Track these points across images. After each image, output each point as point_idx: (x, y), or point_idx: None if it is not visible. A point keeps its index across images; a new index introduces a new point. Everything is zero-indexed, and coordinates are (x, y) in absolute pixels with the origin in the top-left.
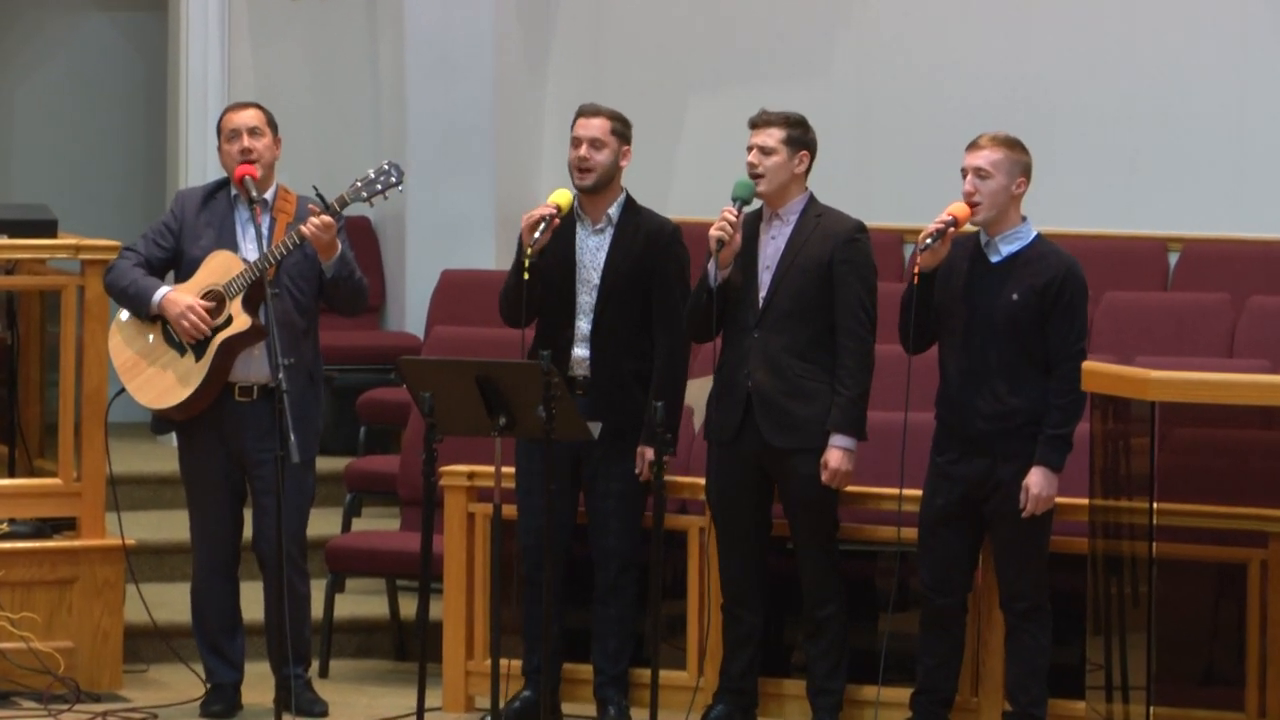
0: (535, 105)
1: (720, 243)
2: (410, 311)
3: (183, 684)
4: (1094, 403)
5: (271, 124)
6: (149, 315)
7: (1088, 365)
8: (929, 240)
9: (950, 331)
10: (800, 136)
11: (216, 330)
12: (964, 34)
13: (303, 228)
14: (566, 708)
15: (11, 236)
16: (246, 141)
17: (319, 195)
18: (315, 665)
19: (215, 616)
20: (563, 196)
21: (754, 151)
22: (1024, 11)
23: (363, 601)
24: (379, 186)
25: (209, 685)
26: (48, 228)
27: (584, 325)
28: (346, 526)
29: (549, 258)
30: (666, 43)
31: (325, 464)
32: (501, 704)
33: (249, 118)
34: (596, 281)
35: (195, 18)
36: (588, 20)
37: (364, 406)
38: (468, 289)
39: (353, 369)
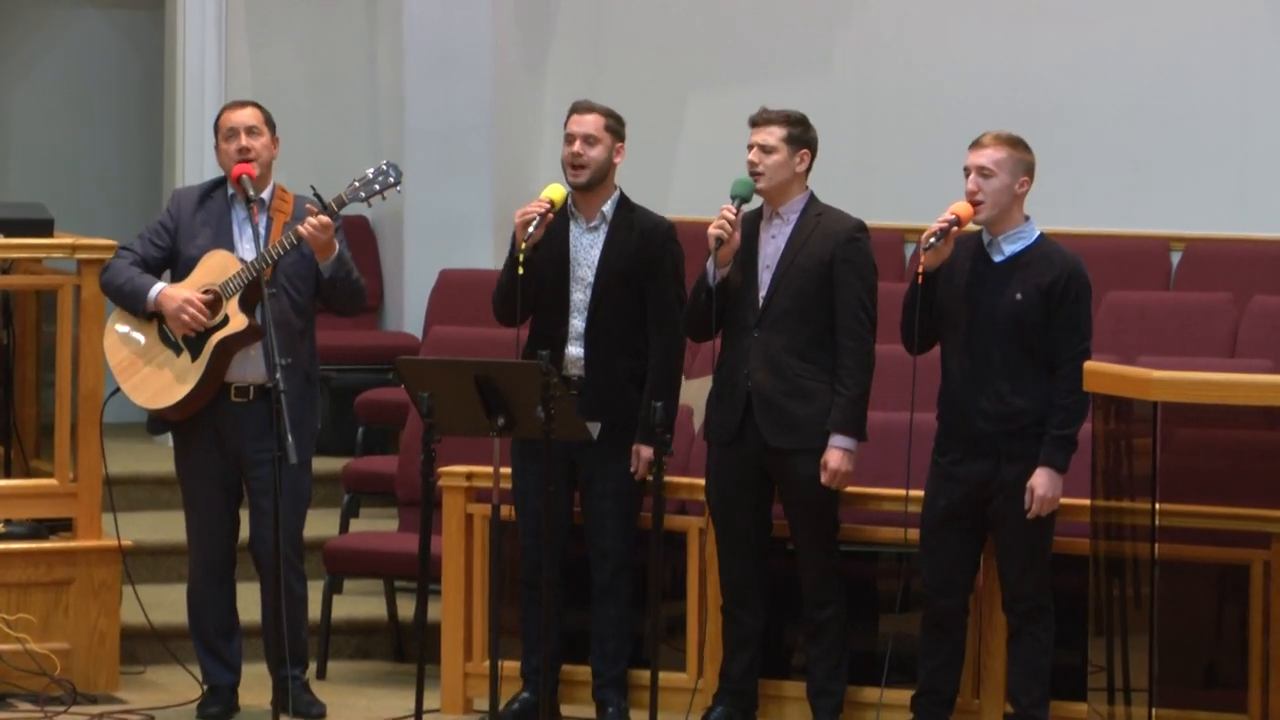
0: (534, 105)
1: (719, 240)
2: (408, 311)
3: (180, 686)
4: (1096, 403)
5: (269, 123)
6: (145, 312)
7: (1089, 365)
8: (932, 239)
9: (953, 331)
10: (801, 135)
11: (213, 330)
12: (966, 32)
13: (300, 228)
14: (565, 709)
15: (7, 235)
16: (244, 141)
17: (316, 195)
18: (313, 667)
19: (212, 618)
20: (556, 191)
21: (754, 150)
22: (1026, 10)
23: (361, 603)
24: (377, 187)
25: (206, 687)
26: (44, 227)
27: (578, 323)
28: (344, 527)
29: (542, 255)
30: (666, 41)
31: (323, 464)
32: (500, 706)
33: (246, 117)
34: (591, 279)
35: (192, 16)
36: (587, 19)
37: (362, 407)
38: (466, 289)
39: (351, 369)
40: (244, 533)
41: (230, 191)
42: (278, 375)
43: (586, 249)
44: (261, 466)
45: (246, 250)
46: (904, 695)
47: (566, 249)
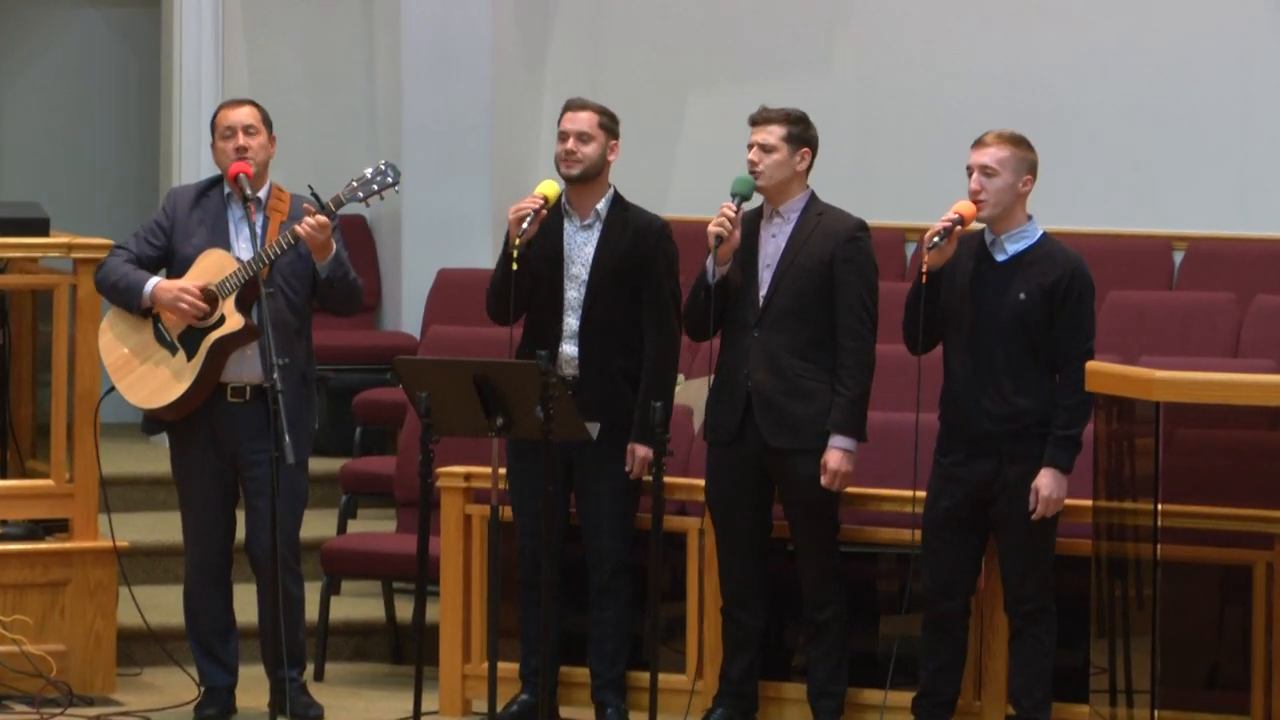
0: (533, 104)
1: (719, 238)
2: (406, 311)
3: (176, 687)
4: (1098, 403)
5: (266, 122)
6: (141, 308)
7: (1092, 365)
8: (936, 239)
9: (955, 331)
10: (801, 134)
11: (209, 330)
12: (967, 31)
13: (297, 228)
14: (564, 711)
15: (3, 235)
16: (241, 140)
17: (314, 195)
18: (310, 668)
19: (208, 619)
20: (550, 188)
21: (754, 149)
22: (1027, 9)
23: (358, 604)
24: (375, 187)
25: (203, 688)
26: (40, 226)
27: (572, 322)
28: (342, 528)
29: (536, 252)
30: (666, 40)
31: (320, 465)
32: (499, 707)
33: (244, 115)
34: (585, 277)
35: (189, 13)
36: (586, 18)
37: (360, 407)
38: (464, 288)
39: (348, 369)
40: (240, 533)
41: (227, 190)
42: (275, 375)
43: (580, 247)
44: (258, 467)
45: (243, 250)
46: (905, 697)
47: (561, 247)
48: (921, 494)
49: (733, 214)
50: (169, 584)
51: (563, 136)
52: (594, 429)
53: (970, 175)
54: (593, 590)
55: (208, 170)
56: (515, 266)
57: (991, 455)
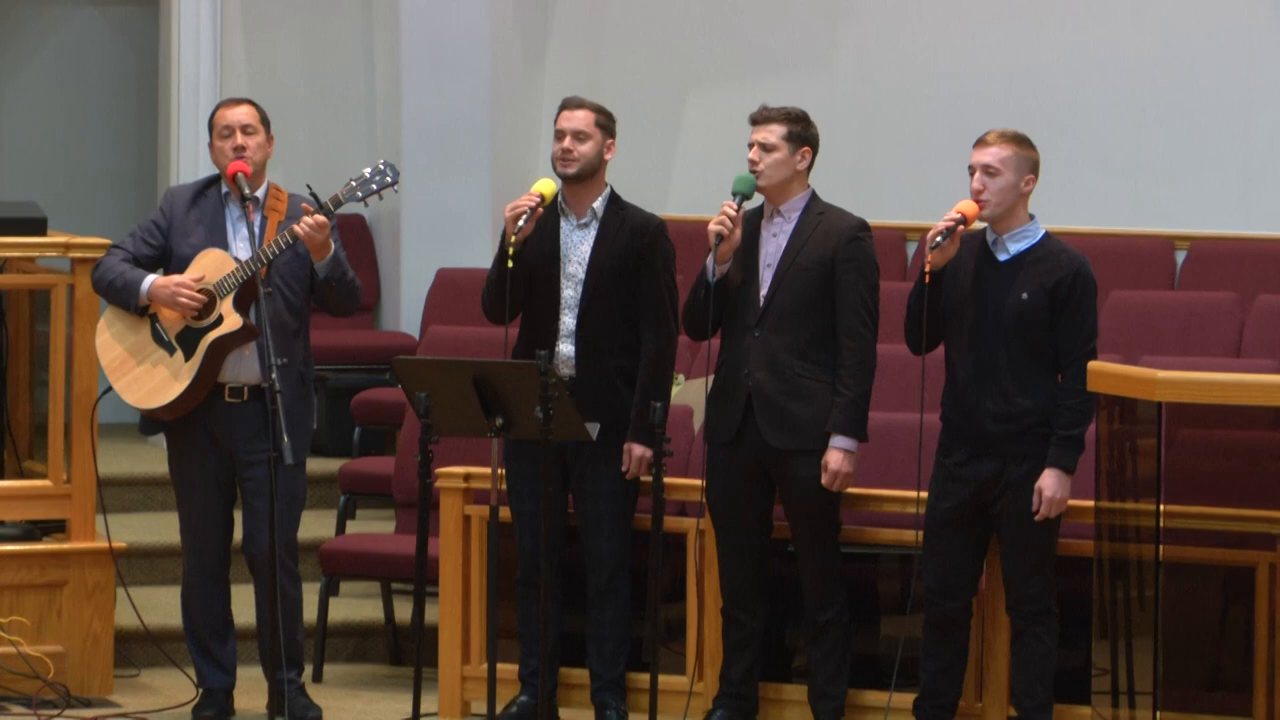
0: (532, 102)
1: (719, 237)
2: (405, 311)
3: (174, 688)
4: (1100, 403)
5: (265, 121)
6: (138, 307)
7: (1094, 365)
8: (938, 239)
9: (958, 331)
10: (802, 133)
11: (207, 330)
12: (968, 30)
13: (295, 227)
14: (564, 713)
15: (0, 234)
16: (239, 139)
17: (312, 194)
18: (309, 670)
19: (206, 619)
20: (546, 186)
21: (755, 148)
22: (1028, 8)
23: (357, 605)
24: (374, 186)
25: (201, 689)
26: (37, 225)
27: (569, 321)
28: (340, 529)
29: (533, 250)
30: (665, 38)
31: (319, 465)
32: (498, 709)
33: (242, 115)
34: (581, 276)
35: (187, 12)
36: (585, 16)
37: (358, 407)
38: (463, 288)
39: (347, 369)
40: (237, 534)
41: (224, 190)
42: (273, 375)
43: (577, 245)
44: (256, 467)
45: (241, 249)
46: (906, 699)
47: (557, 246)
48: (924, 494)
49: (733, 213)
50: (167, 585)
51: (559, 135)
52: (594, 429)
53: (972, 174)
54: (592, 591)
55: (205, 170)
56: (510, 264)
57: (994, 455)
